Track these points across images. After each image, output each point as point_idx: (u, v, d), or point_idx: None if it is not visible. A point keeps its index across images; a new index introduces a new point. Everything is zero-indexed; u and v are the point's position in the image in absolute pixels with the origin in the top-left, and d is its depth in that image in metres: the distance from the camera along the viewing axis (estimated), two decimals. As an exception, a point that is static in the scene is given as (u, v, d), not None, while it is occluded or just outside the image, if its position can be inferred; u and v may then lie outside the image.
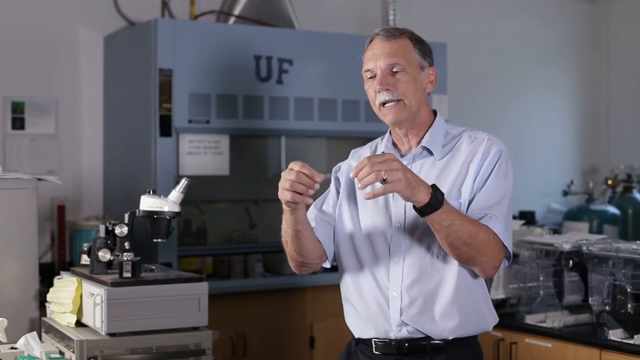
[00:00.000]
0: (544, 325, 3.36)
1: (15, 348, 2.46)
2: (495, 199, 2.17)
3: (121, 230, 2.56)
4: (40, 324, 2.75)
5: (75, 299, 2.54)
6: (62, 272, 2.76)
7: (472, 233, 2.07)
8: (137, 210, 2.56)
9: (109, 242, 2.60)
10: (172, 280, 2.54)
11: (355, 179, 2.00)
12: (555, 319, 3.33)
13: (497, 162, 2.21)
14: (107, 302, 2.38)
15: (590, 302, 3.18)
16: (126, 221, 2.58)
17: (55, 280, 2.70)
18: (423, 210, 2.03)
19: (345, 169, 2.41)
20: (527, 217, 5.35)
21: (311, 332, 4.28)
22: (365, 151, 2.43)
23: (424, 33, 2.45)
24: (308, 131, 4.34)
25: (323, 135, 4.48)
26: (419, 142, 2.29)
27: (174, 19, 4.57)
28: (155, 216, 2.54)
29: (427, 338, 2.24)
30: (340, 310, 2.42)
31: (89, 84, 4.54)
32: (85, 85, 4.54)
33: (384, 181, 1.96)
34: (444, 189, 2.09)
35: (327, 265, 2.41)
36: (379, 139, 2.42)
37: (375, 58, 2.24)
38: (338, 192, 2.41)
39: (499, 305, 3.39)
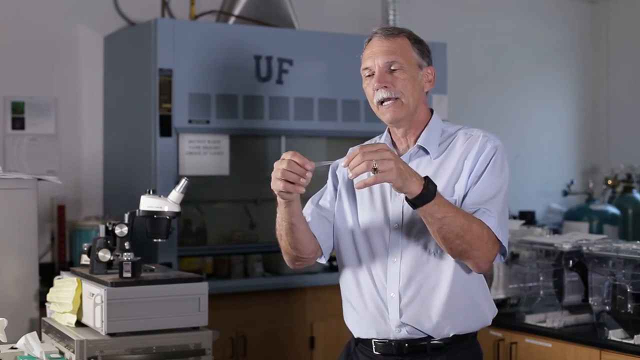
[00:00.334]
0: (544, 325, 3.36)
1: (15, 348, 2.46)
2: (489, 194, 2.16)
3: (121, 230, 2.56)
4: (40, 324, 2.75)
5: (75, 299, 2.54)
6: (62, 272, 2.76)
7: (465, 226, 2.06)
8: (137, 210, 2.56)
9: (109, 242, 2.60)
10: (172, 280, 2.54)
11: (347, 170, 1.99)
12: (555, 319, 3.33)
13: (492, 157, 2.20)
14: (107, 302, 2.37)
15: (590, 302, 3.18)
16: (126, 221, 2.58)
17: (55, 280, 2.70)
18: (415, 202, 2.01)
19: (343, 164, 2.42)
20: (527, 217, 5.35)
21: (311, 332, 4.28)
22: None
23: (424, 33, 2.45)
24: (308, 131, 4.34)
25: (323, 135, 4.48)
26: (416, 141, 2.29)
27: (174, 19, 4.57)
28: (155, 216, 2.54)
29: (427, 338, 2.24)
30: (340, 310, 2.42)
31: (89, 84, 4.54)
32: (85, 85, 4.54)
33: (375, 170, 1.95)
34: (439, 187, 2.09)
35: (322, 261, 2.40)
36: (377, 137, 2.43)
37: (374, 56, 2.24)
38: (335, 189, 2.40)
39: (499, 305, 3.37)
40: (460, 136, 2.27)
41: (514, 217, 5.29)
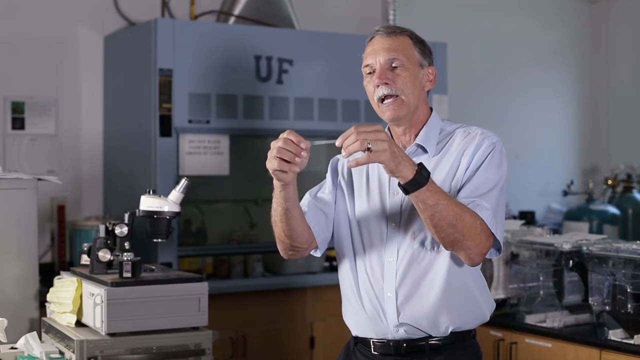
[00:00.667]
0: (544, 325, 3.36)
1: (15, 348, 2.46)
2: (484, 188, 2.15)
3: (121, 230, 2.56)
4: (40, 324, 2.75)
5: (75, 299, 2.54)
6: (62, 272, 2.76)
7: (457, 215, 2.04)
8: (137, 210, 2.56)
9: (109, 242, 2.60)
10: (172, 280, 2.54)
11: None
12: (555, 319, 3.33)
13: (489, 153, 2.19)
14: (107, 302, 2.38)
15: (590, 302, 3.18)
16: (126, 221, 2.58)
17: (55, 280, 2.70)
18: (407, 187, 2.00)
19: (345, 161, 2.41)
20: (527, 217, 5.36)
21: (311, 332, 4.28)
22: None
23: (424, 33, 2.46)
24: (308, 131, 4.33)
25: (323, 135, 4.48)
26: (415, 140, 2.29)
27: (174, 19, 4.57)
28: (155, 216, 2.54)
29: (425, 338, 2.24)
30: (340, 310, 2.42)
31: (89, 84, 4.54)
32: (85, 85, 4.54)
33: (368, 150, 1.95)
34: (437, 184, 2.08)
35: (317, 254, 2.38)
36: None
37: (375, 53, 2.24)
38: (334, 183, 2.40)
39: (499, 305, 3.39)
40: (458, 134, 2.27)
41: (514, 217, 5.30)
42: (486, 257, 2.16)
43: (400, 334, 2.25)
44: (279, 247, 2.34)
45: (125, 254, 2.52)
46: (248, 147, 4.43)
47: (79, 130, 4.52)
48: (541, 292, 3.46)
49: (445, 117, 2.50)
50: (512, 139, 5.67)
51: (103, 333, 2.39)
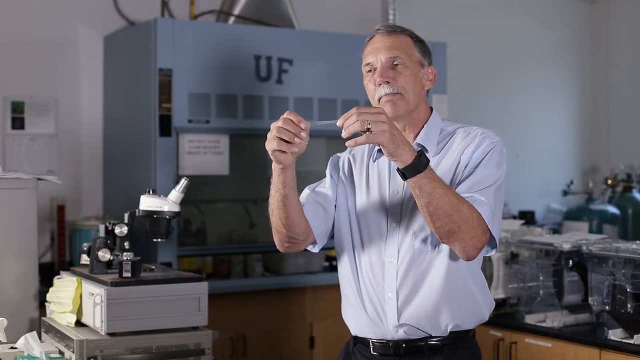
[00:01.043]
0: (544, 325, 3.36)
1: (15, 348, 2.46)
2: (483, 185, 2.14)
3: (121, 230, 2.57)
4: (40, 324, 2.75)
5: (75, 299, 2.54)
6: (62, 272, 2.76)
7: (455, 205, 2.03)
8: (137, 210, 2.56)
9: (109, 242, 2.60)
10: (172, 280, 2.54)
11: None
12: (555, 319, 3.33)
13: (489, 152, 2.19)
14: (107, 302, 2.38)
15: (590, 302, 3.18)
16: (126, 221, 2.58)
17: (55, 280, 2.70)
18: (405, 172, 1.99)
19: (345, 159, 2.41)
20: (527, 217, 5.36)
21: (311, 332, 4.28)
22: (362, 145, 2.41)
23: (424, 33, 2.46)
24: (308, 131, 4.34)
25: (323, 135, 4.48)
26: (415, 140, 2.29)
27: (174, 19, 4.57)
28: (155, 216, 2.54)
29: (425, 339, 2.24)
30: (340, 310, 2.42)
31: (89, 84, 4.54)
32: (85, 85, 4.54)
33: (368, 131, 1.94)
34: None
35: (315, 250, 2.35)
36: None
37: (376, 52, 2.24)
38: (334, 180, 2.38)
39: (499, 305, 3.39)
40: (459, 134, 2.27)
41: (514, 217, 5.31)
42: (481, 254, 2.16)
43: (400, 334, 2.25)
44: (276, 239, 2.30)
45: (125, 254, 2.52)
46: (248, 147, 4.42)
47: (79, 130, 4.52)
48: (541, 292, 3.46)
49: (445, 117, 2.50)
50: (512, 138, 5.67)
51: (103, 333, 2.39)
